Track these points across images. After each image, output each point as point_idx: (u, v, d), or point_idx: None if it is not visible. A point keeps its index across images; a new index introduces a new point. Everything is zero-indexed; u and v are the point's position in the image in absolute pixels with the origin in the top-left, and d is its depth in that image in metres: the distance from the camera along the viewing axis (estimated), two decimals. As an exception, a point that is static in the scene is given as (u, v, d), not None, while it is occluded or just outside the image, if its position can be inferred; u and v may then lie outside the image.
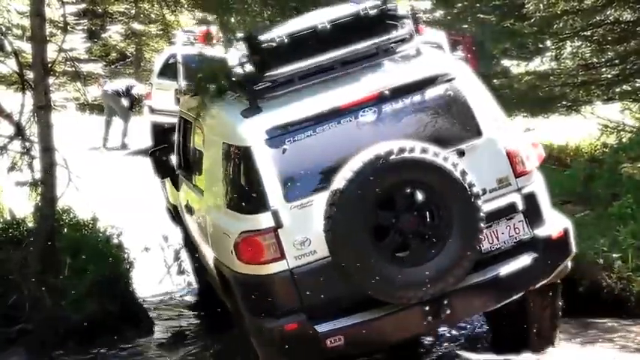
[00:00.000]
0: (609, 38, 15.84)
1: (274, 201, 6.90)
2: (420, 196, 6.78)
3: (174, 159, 9.80)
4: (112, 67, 34.43)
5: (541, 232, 7.26)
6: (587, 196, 12.08)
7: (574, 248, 7.46)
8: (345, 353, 6.94)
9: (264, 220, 6.89)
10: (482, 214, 6.82)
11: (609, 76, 16.22)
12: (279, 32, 7.40)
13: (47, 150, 9.35)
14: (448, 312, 6.94)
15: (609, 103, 17.09)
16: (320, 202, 6.84)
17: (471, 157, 7.04)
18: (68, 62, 17.63)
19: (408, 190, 6.78)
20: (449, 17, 20.61)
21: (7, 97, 15.59)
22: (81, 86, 22.79)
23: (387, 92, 7.14)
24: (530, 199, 7.25)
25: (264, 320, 6.97)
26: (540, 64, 16.87)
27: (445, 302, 6.90)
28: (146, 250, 10.89)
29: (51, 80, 9.75)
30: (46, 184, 9.38)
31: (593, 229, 10.58)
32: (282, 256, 6.88)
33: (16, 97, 10.35)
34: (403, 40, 7.61)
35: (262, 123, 7.09)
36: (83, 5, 30.44)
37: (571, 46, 16.26)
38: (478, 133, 7.17)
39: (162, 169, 9.81)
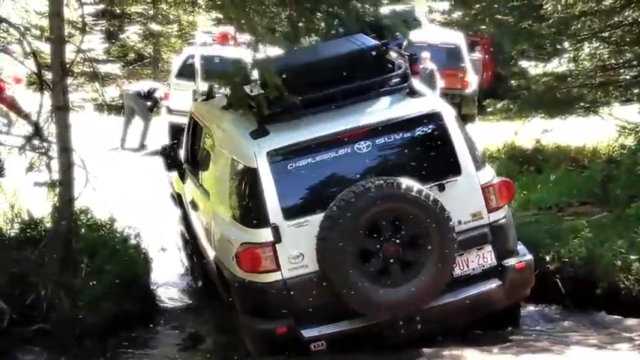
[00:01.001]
0: (627, 39, 15.75)
1: (274, 218, 7.78)
2: (402, 226, 7.75)
3: (181, 154, 10.76)
4: (130, 67, 34.48)
5: (506, 262, 8.20)
6: (604, 198, 12.04)
7: (533, 279, 8.46)
8: (326, 356, 7.83)
9: (264, 235, 7.79)
10: (455, 245, 7.81)
11: (627, 77, 16.12)
12: (289, 62, 8.26)
13: (65, 150, 9.35)
14: (419, 327, 7.91)
15: (627, 104, 16.99)
16: (315, 222, 7.72)
17: (450, 192, 7.99)
18: (86, 63, 17.69)
19: (392, 221, 7.74)
20: (467, 18, 20.54)
21: (26, 97, 15.64)
22: (99, 87, 22.86)
23: (381, 127, 8.00)
24: (500, 233, 8.20)
25: (257, 322, 7.95)
26: (558, 65, 16.77)
27: (417, 319, 7.89)
28: (163, 251, 10.91)
29: (69, 81, 9.76)
30: (63, 184, 9.39)
31: (610, 231, 10.55)
32: (278, 268, 7.79)
33: (35, 98, 10.37)
34: (400, 78, 8.45)
35: (268, 146, 7.92)
36: (101, 6, 30.55)
37: (589, 47, 16.17)
38: (458, 170, 8.06)
39: (170, 163, 10.81)
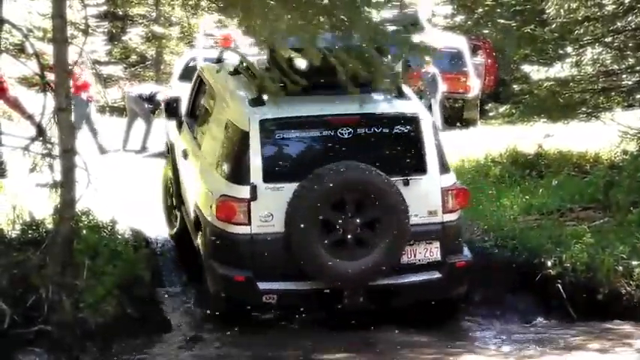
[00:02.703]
0: (630, 45, 15.76)
1: (254, 179, 8.78)
2: (364, 208, 8.73)
3: (183, 107, 11.81)
4: (132, 69, 34.48)
5: (449, 259, 9.10)
6: (606, 203, 12.04)
7: (467, 279, 9.31)
8: (275, 308, 9.05)
9: (243, 191, 8.80)
10: (408, 235, 8.80)
11: (630, 82, 16.13)
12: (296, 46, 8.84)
13: (67, 152, 9.34)
14: (361, 300, 8.91)
15: (629, 109, 17.01)
16: (289, 189, 8.70)
17: (413, 188, 8.95)
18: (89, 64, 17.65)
19: (357, 202, 8.71)
20: (469, 22, 20.57)
21: (29, 98, 15.64)
22: (101, 88, 22.84)
23: (365, 119, 8.95)
24: (449, 232, 9.11)
25: (220, 267, 8.97)
26: (560, 70, 16.77)
27: (361, 293, 8.88)
28: (165, 253, 10.89)
29: (71, 82, 9.74)
30: (65, 185, 9.38)
31: (612, 237, 10.57)
32: (249, 223, 8.80)
33: (38, 99, 10.36)
34: (391, 80, 9.23)
35: (262, 115, 8.92)
36: (104, 8, 30.55)
37: (592, 52, 16.16)
38: (424, 170, 9.04)
39: (171, 113, 11.84)
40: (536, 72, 17.20)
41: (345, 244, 8.76)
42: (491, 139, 18.65)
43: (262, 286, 8.79)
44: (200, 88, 11.24)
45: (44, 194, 10.08)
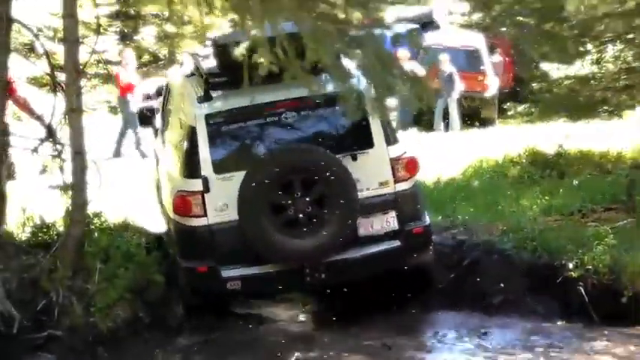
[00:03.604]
0: (652, 42, 15.68)
1: (205, 171, 9.24)
2: (312, 186, 9.11)
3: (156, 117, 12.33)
4: (145, 69, 34.47)
5: (407, 226, 9.49)
6: (629, 204, 11.94)
7: (431, 242, 9.82)
8: (241, 294, 9.55)
9: (196, 185, 9.26)
10: (357, 207, 9.17)
11: (653, 80, 16.04)
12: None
13: (78, 153, 9.33)
14: (323, 276, 9.26)
15: (653, 107, 16.92)
16: (240, 178, 9.10)
17: (361, 162, 9.36)
18: (100, 64, 17.66)
19: (304, 181, 9.10)
20: (487, 20, 20.43)
21: (39, 99, 15.62)
22: (113, 88, 22.83)
23: (306, 101, 9.29)
24: (404, 201, 9.50)
25: (184, 260, 9.41)
26: (581, 67, 16.68)
27: (322, 268, 9.23)
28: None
29: (83, 82, 9.73)
30: (76, 188, 9.37)
31: (636, 238, 10.47)
32: (205, 214, 9.24)
33: (48, 99, 10.34)
34: None
35: (208, 110, 9.41)
36: (116, 7, 30.54)
37: (613, 49, 16.08)
38: (370, 144, 9.41)
39: (145, 121, 12.53)
40: (555, 70, 17.13)
41: (297, 223, 9.16)
42: (509, 139, 18.54)
43: (225, 273, 9.19)
44: (168, 95, 11.76)
45: (55, 196, 10.05)
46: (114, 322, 8.98)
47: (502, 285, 10.14)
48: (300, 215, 9.14)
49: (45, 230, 10.02)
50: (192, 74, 10.33)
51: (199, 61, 10.09)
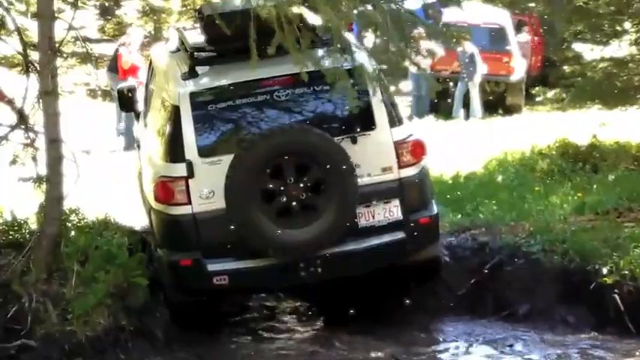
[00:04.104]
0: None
1: (190, 155, 9.25)
2: (306, 171, 9.13)
3: (138, 98, 12.32)
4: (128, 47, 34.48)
5: (412, 217, 9.50)
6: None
7: (439, 234, 9.94)
8: (229, 291, 9.46)
9: (179, 169, 9.28)
10: (357, 195, 9.18)
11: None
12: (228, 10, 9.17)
13: (54, 141, 9.37)
14: (319, 271, 9.28)
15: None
16: (228, 161, 9.10)
17: (362, 145, 9.35)
18: (78, 42, 17.69)
19: (297, 165, 9.11)
20: (513, -6, 20.50)
21: (9, 80, 15.67)
22: (92, 69, 22.86)
23: (301, 78, 8.90)
24: (409, 188, 9.51)
25: (166, 253, 9.45)
26: (618, 49, 16.71)
27: (318, 262, 9.26)
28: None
29: (58, 62, 9.77)
30: (51, 180, 9.40)
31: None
32: (189, 202, 9.26)
33: (20, 81, 10.39)
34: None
35: (192, 87, 9.44)
36: (96, -22, 30.58)
37: (654, 28, 16.13)
38: (372, 125, 9.39)
39: (125, 104, 12.33)
40: (589, 51, 17.15)
41: (290, 212, 9.19)
42: (538, 128, 18.60)
43: (211, 267, 9.25)
44: (151, 74, 11.78)
45: (27, 190, 10.09)
46: (93, 331, 9.02)
47: (528, 292, 10.18)
48: (294, 203, 9.16)
49: (16, 228, 10.08)
50: (178, 50, 10.38)
51: (184, 34, 10.14)
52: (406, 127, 9.75)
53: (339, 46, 8.97)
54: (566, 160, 15.10)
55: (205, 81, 9.53)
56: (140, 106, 12.17)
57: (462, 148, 17.24)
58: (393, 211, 9.48)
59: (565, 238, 10.69)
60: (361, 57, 9.34)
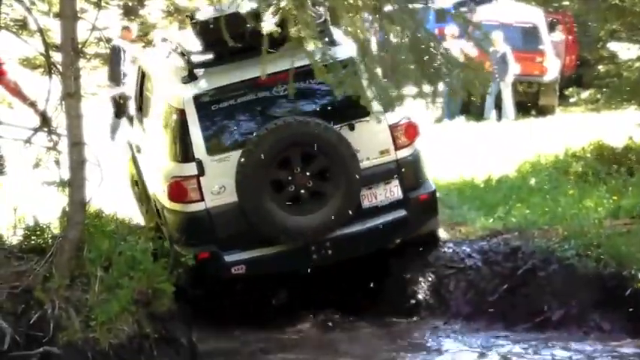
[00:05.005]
0: None
1: (199, 154, 10.10)
2: (312, 160, 9.97)
3: (130, 103, 13.05)
4: (152, 47, 34.58)
5: (411, 194, 10.41)
6: None
7: (437, 209, 10.80)
8: (246, 278, 10.16)
9: (190, 169, 10.11)
10: (360, 179, 9.99)
11: None
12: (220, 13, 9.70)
13: (76, 144, 9.37)
14: (330, 253, 10.15)
15: None
16: (236, 157, 9.95)
17: (359, 131, 10.22)
18: (101, 43, 17.78)
19: (303, 155, 9.94)
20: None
21: (32, 82, 15.72)
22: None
23: (297, 72, 9.38)
24: (406, 168, 10.37)
25: (183, 248, 10.02)
26: (656, 48, 16.65)
27: (327, 245, 10.14)
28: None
29: (81, 64, 9.79)
30: (74, 184, 9.41)
31: None
32: (202, 199, 10.10)
33: (42, 83, 10.42)
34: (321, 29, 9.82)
35: (195, 90, 10.23)
36: (119, -23, 30.67)
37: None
38: (367, 112, 9.79)
39: (118, 111, 13.24)
40: (625, 50, 17.09)
41: (299, 200, 10.07)
42: (571, 130, 18.55)
43: (228, 258, 10.11)
44: (142, 79, 12.42)
45: (50, 194, 10.12)
46: (117, 338, 9.01)
47: (562, 298, 10.16)
48: (302, 191, 10.01)
49: (39, 233, 10.08)
50: (170, 54, 11.12)
51: (179, 40, 10.87)
52: (399, 110, 10.18)
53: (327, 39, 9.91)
54: (601, 163, 15.05)
55: (206, 83, 10.32)
56: (132, 112, 12.86)
57: (494, 150, 17.21)
58: (393, 190, 10.39)
59: (600, 243, 10.67)
60: (349, 48, 10.00)
